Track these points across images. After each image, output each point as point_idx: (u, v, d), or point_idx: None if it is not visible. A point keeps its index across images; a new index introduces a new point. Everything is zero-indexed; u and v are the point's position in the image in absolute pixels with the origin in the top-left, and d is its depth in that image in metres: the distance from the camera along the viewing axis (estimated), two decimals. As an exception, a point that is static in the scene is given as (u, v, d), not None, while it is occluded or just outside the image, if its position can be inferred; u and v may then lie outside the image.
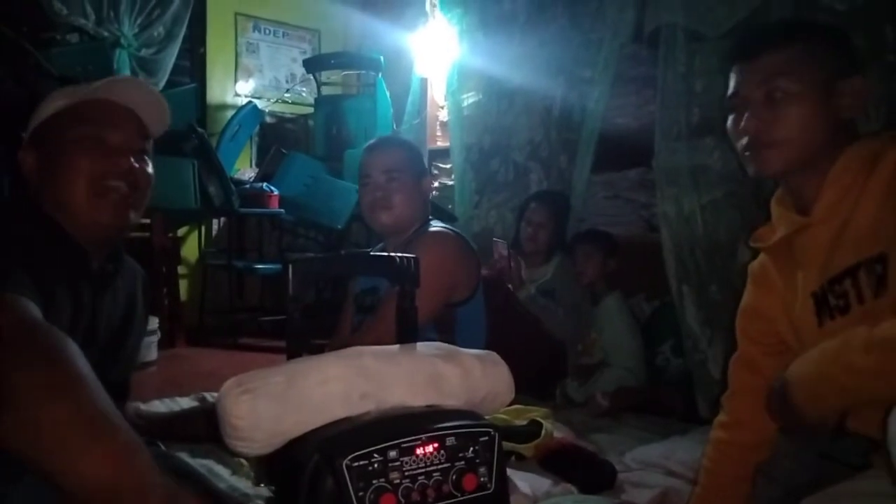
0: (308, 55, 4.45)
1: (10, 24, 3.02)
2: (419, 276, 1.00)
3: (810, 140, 0.97)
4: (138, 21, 3.64)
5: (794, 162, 0.98)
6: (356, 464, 0.72)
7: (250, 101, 4.10)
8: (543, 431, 1.66)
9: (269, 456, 0.81)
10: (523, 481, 1.44)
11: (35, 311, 0.77)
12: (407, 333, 0.99)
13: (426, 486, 0.76)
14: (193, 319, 3.64)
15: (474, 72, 3.25)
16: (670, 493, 1.48)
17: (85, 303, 0.99)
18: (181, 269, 3.78)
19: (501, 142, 3.15)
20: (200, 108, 4.01)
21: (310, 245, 4.14)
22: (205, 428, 1.15)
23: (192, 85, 3.90)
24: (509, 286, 2.44)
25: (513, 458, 1.61)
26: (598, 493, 1.47)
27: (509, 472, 0.90)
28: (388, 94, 3.87)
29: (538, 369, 2.18)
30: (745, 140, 1.01)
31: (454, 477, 0.78)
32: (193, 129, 3.39)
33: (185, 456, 1.35)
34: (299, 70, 4.33)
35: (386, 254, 1.04)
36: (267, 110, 4.31)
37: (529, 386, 1.93)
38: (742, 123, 1.01)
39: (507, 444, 1.49)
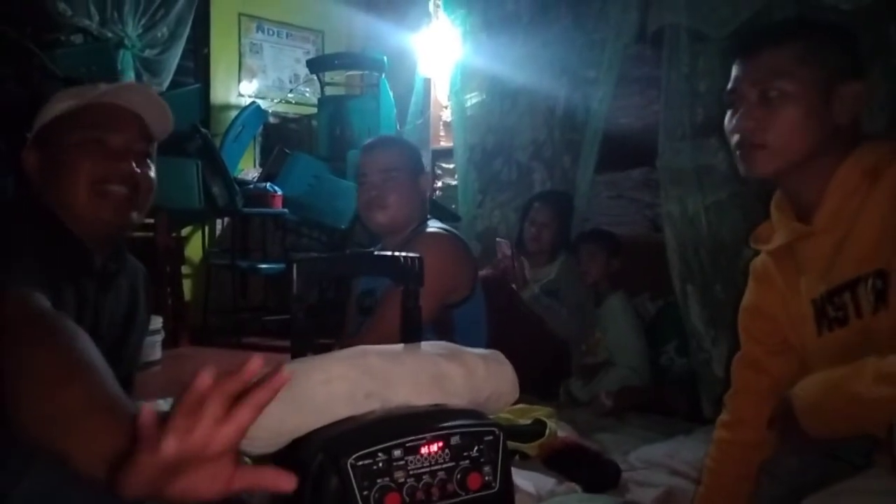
0: (311, 55, 4.45)
1: (15, 25, 3.03)
2: (423, 276, 1.00)
3: (802, 144, 0.95)
4: (142, 22, 3.65)
5: (785, 165, 0.97)
6: (361, 463, 0.73)
7: (254, 102, 4.11)
8: (548, 431, 1.66)
9: (273, 455, 0.81)
10: (527, 480, 1.44)
11: (46, 303, 0.78)
12: (411, 333, 1.00)
13: (431, 485, 0.76)
14: (197, 319, 3.65)
15: (478, 72, 3.25)
16: (675, 492, 1.48)
17: (88, 301, 1.00)
18: (185, 269, 3.79)
19: (505, 142, 3.14)
20: (204, 108, 4.01)
21: (313, 245, 4.14)
22: None
23: (196, 85, 3.91)
24: (513, 286, 2.44)
25: (517, 457, 1.61)
26: (603, 493, 1.47)
27: (513, 471, 0.90)
28: (391, 94, 3.87)
29: (542, 369, 2.18)
30: (736, 138, 1.00)
31: (459, 476, 0.78)
32: (197, 130, 3.39)
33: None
34: (303, 70, 4.33)
35: (390, 253, 1.04)
36: (270, 110, 4.32)
37: (533, 385, 1.92)
38: (735, 121, 1.00)
39: (511, 444, 1.48)
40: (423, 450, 0.76)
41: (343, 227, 3.62)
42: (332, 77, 4.20)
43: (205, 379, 0.50)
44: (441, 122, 3.83)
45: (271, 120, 4.36)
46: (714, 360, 2.14)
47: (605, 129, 2.69)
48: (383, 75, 3.87)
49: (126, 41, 3.56)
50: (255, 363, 0.52)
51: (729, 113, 1.02)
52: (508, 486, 0.82)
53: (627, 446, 1.80)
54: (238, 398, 0.52)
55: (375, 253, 1.59)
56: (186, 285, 3.76)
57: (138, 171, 1.03)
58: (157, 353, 2.88)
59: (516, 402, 1.06)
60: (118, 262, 1.10)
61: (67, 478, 0.58)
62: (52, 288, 0.86)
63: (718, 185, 2.22)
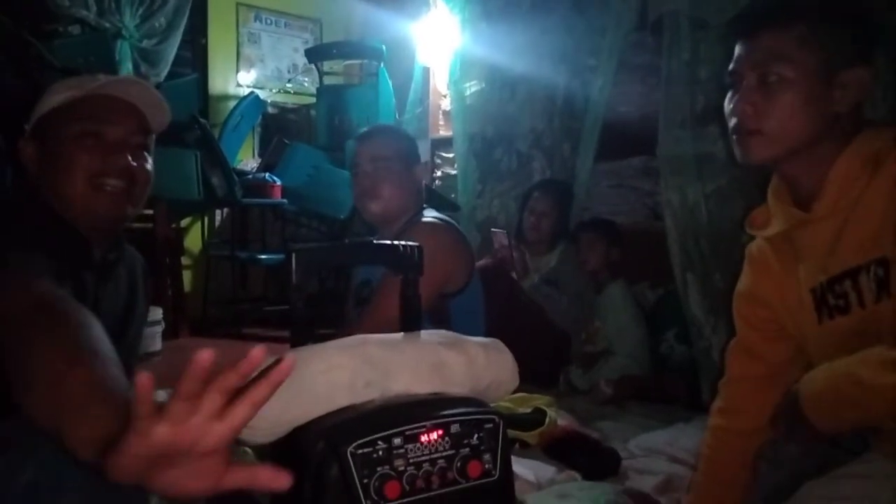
0: (310, 45, 4.43)
1: (12, 15, 3.01)
2: (423, 265, 1.00)
3: (800, 132, 0.93)
4: (139, 12, 3.63)
5: (782, 152, 0.95)
6: (361, 451, 0.73)
7: (252, 92, 4.09)
8: (547, 419, 1.66)
9: (273, 444, 0.81)
10: (527, 469, 1.45)
11: (60, 291, 0.79)
12: (411, 322, 0.99)
13: (431, 472, 0.76)
14: (197, 310, 3.65)
15: (477, 60, 3.23)
16: (674, 479, 1.49)
17: (88, 292, 1.00)
18: (185, 260, 3.79)
19: (504, 131, 3.13)
20: (202, 98, 4.00)
21: (313, 235, 4.14)
22: None
23: (194, 76, 3.89)
24: (513, 275, 2.44)
25: (517, 445, 1.62)
26: (603, 480, 1.48)
27: (513, 459, 0.91)
28: (390, 83, 3.85)
29: (542, 358, 2.18)
30: (733, 122, 0.98)
31: (459, 464, 0.78)
32: (196, 120, 3.38)
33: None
34: (301, 60, 4.31)
35: (389, 242, 1.04)
36: (269, 100, 4.30)
37: (533, 374, 1.93)
38: (733, 105, 0.97)
39: (511, 432, 1.49)
40: (423, 438, 0.76)
41: (342, 217, 3.61)
42: (330, 66, 4.18)
43: (203, 359, 0.48)
44: (440, 112, 3.81)
45: (270, 110, 4.34)
46: (714, 348, 2.14)
47: (605, 117, 2.68)
48: (382, 64, 3.85)
49: (123, 31, 3.54)
50: (258, 355, 0.50)
51: (729, 93, 0.99)
52: (508, 474, 0.83)
53: (627, 434, 1.80)
54: (239, 389, 0.51)
55: (374, 242, 1.59)
56: (186, 276, 3.76)
57: (135, 164, 1.02)
58: (157, 344, 2.89)
59: (516, 391, 1.06)
60: (117, 253, 1.10)
61: (72, 464, 0.58)
62: (54, 278, 0.86)
63: (719, 173, 2.21)
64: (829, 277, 0.95)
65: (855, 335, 0.91)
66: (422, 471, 0.75)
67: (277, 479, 0.53)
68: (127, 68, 3.48)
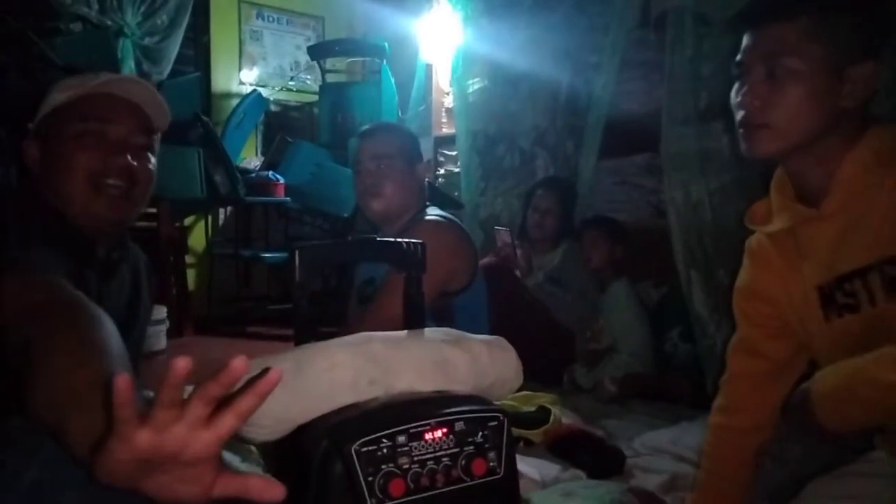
0: (312, 42, 4.42)
1: (14, 13, 3.01)
2: (426, 262, 0.99)
3: (807, 126, 0.91)
4: (141, 10, 3.63)
5: (788, 146, 0.93)
6: (365, 449, 0.72)
7: (255, 90, 4.09)
8: (552, 417, 1.66)
9: (276, 443, 0.81)
10: (532, 467, 1.44)
11: (72, 289, 0.79)
12: (414, 320, 0.99)
13: (435, 470, 0.76)
14: (201, 308, 3.66)
15: (479, 58, 3.23)
16: (679, 477, 1.48)
17: (91, 291, 1.00)
18: (188, 259, 3.80)
19: (507, 128, 3.13)
20: (205, 96, 4.00)
21: (316, 233, 4.14)
22: None
23: (197, 73, 3.89)
24: (516, 273, 2.44)
25: (521, 444, 1.61)
26: (607, 479, 1.48)
27: (518, 457, 0.90)
28: (392, 80, 3.85)
29: (546, 356, 2.17)
30: (740, 115, 0.96)
31: (463, 462, 0.77)
32: (198, 118, 3.38)
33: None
34: (304, 57, 4.31)
35: (392, 239, 1.03)
36: (272, 98, 4.30)
37: (537, 372, 1.93)
38: (740, 97, 0.96)
39: (515, 431, 1.48)
40: (428, 436, 0.76)
41: (345, 215, 3.61)
42: (333, 64, 4.18)
43: (180, 367, 0.48)
44: (443, 109, 3.81)
45: (273, 108, 4.34)
46: (718, 346, 2.14)
47: (609, 114, 2.67)
48: (384, 62, 3.85)
49: (125, 29, 3.54)
50: (239, 365, 0.49)
51: (736, 85, 0.97)
52: (513, 472, 0.82)
53: (631, 432, 1.80)
54: (228, 398, 0.50)
55: (378, 239, 1.59)
56: (190, 275, 3.76)
57: (135, 164, 1.02)
58: (161, 343, 2.90)
59: (520, 389, 1.06)
60: (121, 252, 1.10)
61: (74, 463, 0.58)
62: (63, 276, 0.86)
63: (722, 170, 2.20)
64: (839, 275, 0.93)
65: (863, 333, 0.90)
66: (426, 469, 0.75)
67: (269, 489, 0.52)
68: (129, 66, 3.48)
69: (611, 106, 2.67)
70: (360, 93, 3.88)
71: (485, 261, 2.15)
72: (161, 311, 2.87)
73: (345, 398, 0.80)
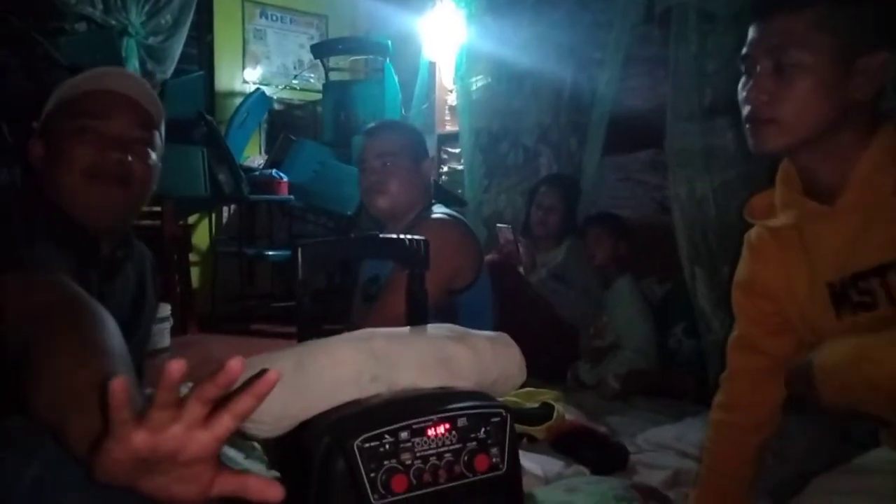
0: (316, 41, 4.43)
1: (18, 13, 3.02)
2: (429, 259, 0.99)
3: (816, 121, 0.89)
4: (145, 9, 3.64)
5: (796, 142, 0.91)
6: (367, 445, 0.72)
7: (258, 88, 4.09)
8: (555, 414, 1.66)
9: (278, 439, 0.81)
10: (535, 463, 1.44)
11: (76, 288, 0.79)
12: (417, 316, 0.99)
13: (438, 466, 0.76)
14: (205, 306, 3.67)
15: (483, 55, 3.22)
16: (682, 474, 1.48)
17: (94, 289, 1.00)
18: (192, 257, 3.81)
19: (511, 125, 3.12)
20: (208, 95, 4.01)
21: (320, 231, 4.14)
22: None
23: (200, 72, 3.90)
24: (520, 270, 2.44)
25: (525, 440, 1.61)
26: (611, 475, 1.47)
27: (521, 454, 0.90)
28: (396, 78, 3.85)
29: (549, 353, 2.17)
30: (747, 110, 0.93)
31: (466, 457, 0.77)
32: (202, 117, 3.39)
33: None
34: (307, 56, 4.31)
35: (395, 236, 1.03)
36: (275, 97, 4.30)
37: (541, 369, 1.92)
38: (747, 92, 0.93)
39: (519, 427, 1.49)
40: (430, 431, 0.76)
41: (349, 213, 3.62)
42: (336, 62, 4.18)
43: (174, 370, 0.48)
44: (446, 107, 3.81)
45: (276, 106, 4.35)
46: (722, 342, 2.13)
47: (612, 110, 2.67)
48: (388, 60, 3.85)
49: (129, 29, 3.55)
50: (236, 366, 0.49)
51: (743, 79, 0.95)
52: (516, 468, 0.82)
53: (635, 429, 1.80)
54: (227, 398, 0.51)
55: (380, 236, 1.59)
56: (194, 273, 3.77)
57: (132, 158, 1.02)
58: (166, 341, 2.90)
59: (523, 386, 1.06)
60: (125, 250, 1.10)
61: (75, 461, 0.58)
62: (66, 275, 0.86)
63: (726, 166, 2.19)
64: (854, 273, 0.91)
65: (879, 329, 0.89)
66: (429, 464, 0.75)
67: (268, 489, 0.52)
68: (133, 66, 3.49)
69: (614, 102, 2.66)
70: (363, 91, 3.89)
71: (487, 258, 2.15)
72: (165, 309, 2.88)
73: (347, 394, 0.80)
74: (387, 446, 0.73)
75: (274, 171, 3.68)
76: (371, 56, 4.17)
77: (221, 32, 4.20)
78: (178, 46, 3.77)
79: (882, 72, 0.88)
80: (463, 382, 0.86)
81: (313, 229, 4.16)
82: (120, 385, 0.48)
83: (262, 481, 0.53)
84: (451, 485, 0.76)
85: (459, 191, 3.34)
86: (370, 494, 0.72)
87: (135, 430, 0.48)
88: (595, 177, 2.76)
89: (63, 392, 0.61)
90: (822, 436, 1.18)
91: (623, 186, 2.79)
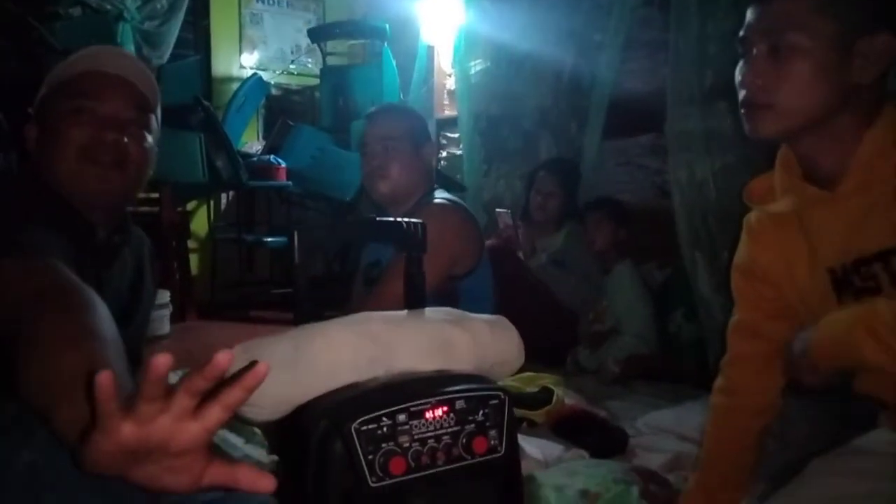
0: (313, 25, 4.38)
1: (13, -2, 3.00)
2: (426, 242, 0.99)
3: (814, 106, 0.87)
4: (141, -7, 3.61)
5: (794, 127, 0.89)
6: (365, 428, 0.72)
7: (255, 73, 4.07)
8: (555, 398, 1.66)
9: (277, 422, 0.81)
10: (535, 447, 1.44)
11: (70, 274, 0.78)
12: (415, 299, 0.99)
13: (436, 449, 0.76)
14: (204, 293, 3.67)
15: (482, 38, 3.20)
16: (682, 457, 1.48)
17: (89, 275, 0.99)
18: (191, 244, 3.80)
19: (510, 109, 3.10)
20: (205, 80, 3.98)
21: (318, 217, 4.14)
22: None
23: (197, 57, 3.87)
24: (519, 255, 2.43)
25: (524, 424, 1.62)
26: (610, 458, 1.48)
27: (521, 437, 0.90)
28: (394, 63, 3.82)
29: (549, 338, 2.17)
30: (743, 94, 0.92)
31: (464, 440, 0.77)
32: (199, 102, 3.37)
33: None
34: (304, 40, 4.27)
35: (393, 219, 1.03)
36: (272, 82, 4.27)
37: (541, 354, 1.93)
38: (743, 76, 0.92)
39: (518, 411, 1.48)
40: (428, 414, 0.76)
41: (348, 199, 3.60)
42: (334, 47, 4.14)
43: (160, 364, 0.48)
44: (445, 91, 3.79)
45: (274, 91, 4.32)
46: (723, 327, 2.13)
47: (612, 94, 2.65)
48: (386, 44, 3.81)
49: (125, 13, 3.52)
50: (223, 359, 0.49)
51: (740, 63, 0.93)
52: (514, 451, 0.82)
53: (635, 413, 1.80)
54: (218, 387, 0.50)
55: (377, 219, 1.58)
56: (193, 260, 3.77)
57: (127, 139, 1.01)
58: (165, 328, 2.90)
59: (523, 371, 1.05)
60: (123, 236, 1.09)
61: (65, 449, 0.58)
62: (60, 259, 0.85)
63: (727, 149, 2.19)
64: (856, 259, 0.89)
65: None
66: (427, 447, 0.75)
67: (259, 480, 0.52)
68: (129, 50, 3.46)
69: (615, 86, 2.65)
70: (361, 75, 3.86)
71: (487, 243, 2.14)
72: (164, 296, 2.87)
73: (344, 377, 0.80)
74: (384, 429, 0.73)
75: (272, 156, 3.66)
76: (369, 40, 4.13)
77: (218, 17, 4.17)
78: (174, 31, 3.74)
79: (885, 53, 0.85)
80: (461, 365, 0.86)
81: (312, 215, 4.15)
82: (107, 377, 0.47)
83: (254, 472, 0.53)
84: (449, 467, 0.76)
85: (458, 176, 3.32)
86: (368, 477, 0.72)
87: (122, 421, 0.48)
88: (595, 161, 2.75)
89: (51, 374, 0.61)
90: (823, 419, 1.18)
91: (623, 171, 2.78)
